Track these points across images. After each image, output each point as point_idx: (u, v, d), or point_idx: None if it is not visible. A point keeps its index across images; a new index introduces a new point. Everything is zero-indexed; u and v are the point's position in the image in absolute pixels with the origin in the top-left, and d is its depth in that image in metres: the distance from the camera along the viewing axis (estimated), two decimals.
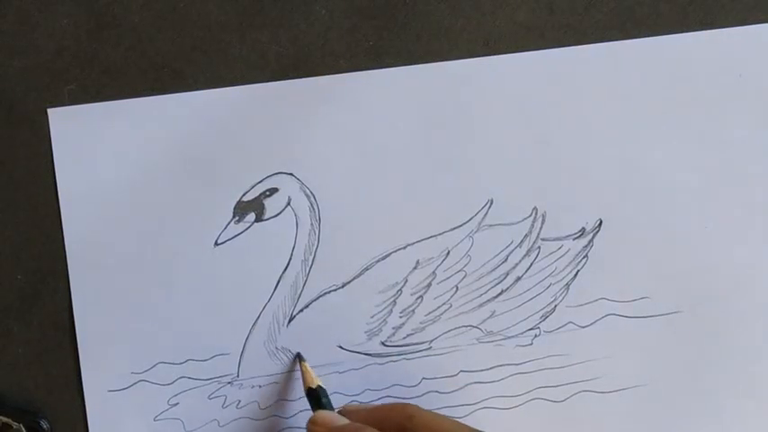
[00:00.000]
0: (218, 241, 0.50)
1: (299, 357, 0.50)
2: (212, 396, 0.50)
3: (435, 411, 0.45)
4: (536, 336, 0.51)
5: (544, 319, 0.51)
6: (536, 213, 0.51)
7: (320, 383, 0.48)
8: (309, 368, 0.49)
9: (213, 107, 0.50)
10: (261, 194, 0.50)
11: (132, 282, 0.50)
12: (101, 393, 0.50)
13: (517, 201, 0.51)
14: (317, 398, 0.48)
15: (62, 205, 0.49)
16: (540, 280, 0.51)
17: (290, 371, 0.50)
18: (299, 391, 0.50)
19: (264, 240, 0.50)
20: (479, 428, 0.41)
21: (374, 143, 0.50)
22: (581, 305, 0.51)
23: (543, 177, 0.51)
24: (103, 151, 0.49)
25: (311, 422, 0.46)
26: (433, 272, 0.50)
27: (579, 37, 0.51)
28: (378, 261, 0.50)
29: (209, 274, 0.50)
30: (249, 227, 0.50)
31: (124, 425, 0.50)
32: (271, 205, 0.50)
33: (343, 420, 0.45)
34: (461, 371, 0.51)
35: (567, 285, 0.51)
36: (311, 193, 0.50)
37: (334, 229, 0.50)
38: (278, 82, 0.50)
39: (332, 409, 0.47)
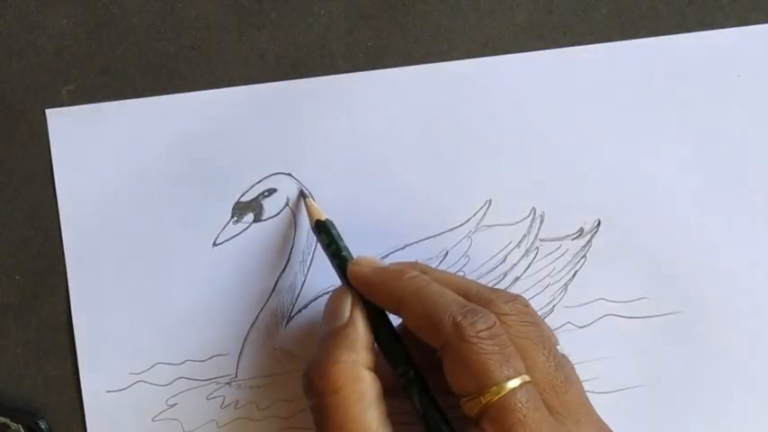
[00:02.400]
0: (217, 242, 0.50)
1: (302, 195, 0.49)
2: (211, 396, 0.50)
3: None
4: None
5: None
6: (534, 214, 0.51)
7: (324, 217, 0.48)
8: (313, 204, 0.48)
9: (212, 108, 0.50)
10: (259, 195, 0.50)
11: (130, 282, 0.50)
12: (99, 394, 0.50)
13: (515, 201, 0.51)
14: (326, 230, 0.47)
15: (60, 206, 0.49)
16: (539, 280, 0.51)
17: (289, 371, 0.50)
18: (297, 391, 0.50)
19: (263, 241, 0.50)
20: None
21: (373, 144, 0.50)
22: (579, 305, 0.51)
23: (542, 178, 0.51)
24: (102, 152, 0.50)
25: (354, 263, 0.45)
26: None
27: (578, 38, 0.51)
28: None
29: (208, 274, 0.50)
30: (248, 227, 0.50)
31: (122, 425, 0.50)
32: (269, 206, 0.50)
33: (384, 262, 0.46)
34: None
35: (566, 286, 0.51)
36: (310, 193, 0.50)
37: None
38: (277, 82, 0.50)
39: (338, 241, 0.47)
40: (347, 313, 0.44)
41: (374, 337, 0.44)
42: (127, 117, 0.50)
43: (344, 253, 0.46)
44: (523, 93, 0.51)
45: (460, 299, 0.42)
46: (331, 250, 0.47)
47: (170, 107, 0.50)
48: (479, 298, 0.42)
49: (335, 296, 0.45)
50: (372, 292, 0.44)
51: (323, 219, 0.48)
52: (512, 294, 0.43)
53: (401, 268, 0.44)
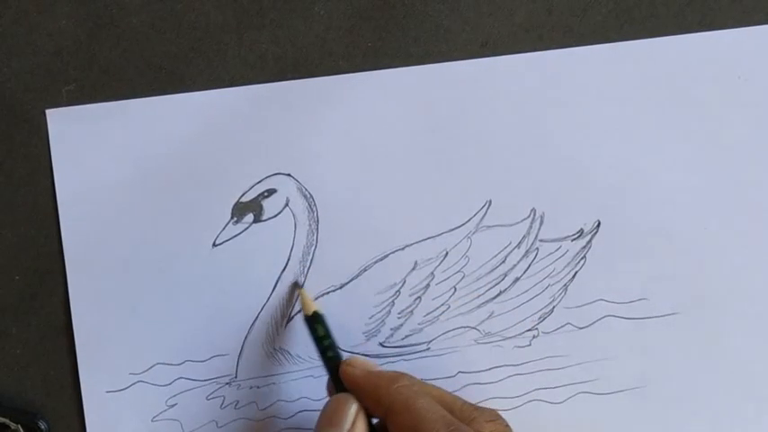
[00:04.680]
0: (217, 242, 0.50)
1: (296, 286, 0.49)
2: (210, 397, 0.50)
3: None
4: (534, 337, 0.51)
5: (542, 321, 0.51)
6: (534, 214, 0.51)
7: (318, 309, 0.48)
8: (307, 295, 0.49)
9: (211, 108, 0.50)
10: (259, 195, 0.50)
11: (130, 282, 0.50)
12: (99, 394, 0.50)
13: (515, 202, 0.51)
14: (322, 322, 0.47)
15: (60, 206, 0.49)
16: (539, 281, 0.51)
17: (289, 372, 0.50)
18: (297, 391, 0.50)
19: (263, 241, 0.50)
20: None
21: (373, 144, 0.50)
22: (579, 306, 0.51)
23: (541, 178, 0.51)
24: (101, 152, 0.50)
25: (346, 363, 0.46)
26: (432, 273, 0.50)
27: (577, 38, 0.51)
28: (376, 262, 0.50)
29: (208, 274, 0.50)
30: (247, 227, 0.50)
31: (122, 426, 0.50)
32: (269, 206, 0.50)
33: (379, 367, 0.46)
34: (460, 372, 0.51)
35: (566, 286, 0.51)
36: (309, 194, 0.50)
37: (332, 229, 0.50)
38: (276, 83, 0.50)
39: (331, 336, 0.47)
40: (348, 424, 0.44)
41: None
42: (127, 117, 0.50)
43: (335, 351, 0.47)
44: (523, 93, 0.51)
45: (447, 415, 0.42)
46: (325, 344, 0.47)
47: (170, 107, 0.50)
48: (462, 414, 0.43)
49: (338, 402, 0.45)
50: (362, 396, 0.44)
51: (319, 311, 0.48)
52: (493, 413, 0.44)
53: (393, 375, 0.44)
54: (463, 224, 0.51)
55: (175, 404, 0.50)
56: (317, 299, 0.50)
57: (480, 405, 0.44)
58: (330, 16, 0.50)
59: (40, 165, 0.50)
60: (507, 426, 0.43)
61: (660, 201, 0.51)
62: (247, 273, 0.50)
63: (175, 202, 0.50)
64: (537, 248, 0.51)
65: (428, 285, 0.50)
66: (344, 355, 0.47)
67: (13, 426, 0.49)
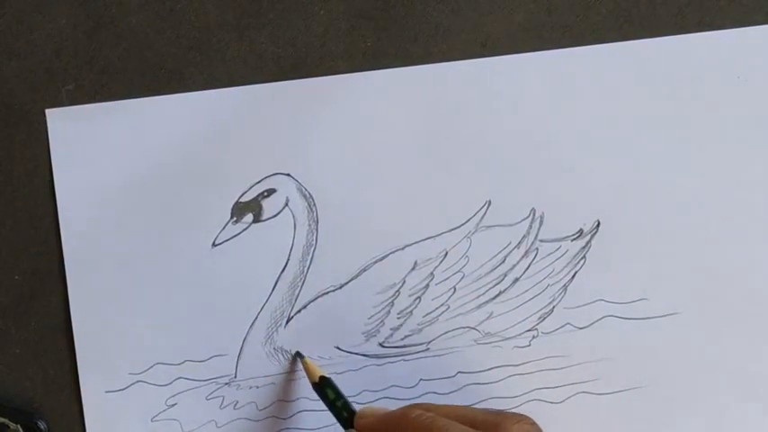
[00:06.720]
0: (216, 242, 0.50)
1: (298, 356, 0.50)
2: (210, 397, 0.50)
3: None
4: (534, 337, 0.51)
5: (542, 321, 0.51)
6: (534, 214, 0.51)
7: (323, 374, 0.48)
8: (311, 362, 0.49)
9: (211, 108, 0.50)
10: (259, 195, 0.50)
11: (130, 282, 0.50)
12: (98, 394, 0.50)
13: (515, 202, 0.51)
14: (332, 386, 0.47)
15: (59, 206, 0.49)
16: (538, 281, 0.51)
17: (288, 371, 0.50)
18: (297, 391, 0.50)
19: (262, 241, 0.50)
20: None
21: (372, 144, 0.50)
22: (579, 306, 0.51)
23: (541, 178, 0.51)
24: (101, 152, 0.50)
25: (359, 416, 0.46)
26: (431, 273, 0.50)
27: (577, 38, 0.51)
28: (376, 262, 0.50)
29: (207, 274, 0.50)
30: (247, 227, 0.50)
31: (122, 425, 0.50)
32: (269, 206, 0.50)
33: (388, 408, 0.46)
34: (459, 372, 0.51)
35: (565, 287, 0.51)
36: (309, 194, 0.50)
37: (331, 229, 0.50)
38: (276, 83, 0.50)
39: (343, 396, 0.47)
40: None
41: None
42: (126, 117, 0.50)
43: (349, 410, 0.46)
44: (523, 93, 0.51)
45: (469, 429, 0.41)
46: (339, 405, 0.47)
47: (170, 107, 0.50)
48: (485, 424, 0.42)
49: None
50: None
51: (326, 375, 0.48)
52: (517, 415, 0.43)
53: (405, 409, 0.44)
54: (463, 224, 0.51)
55: (175, 404, 0.50)
56: (316, 299, 0.50)
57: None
58: (330, 16, 0.50)
59: (40, 165, 0.50)
60: (534, 423, 0.43)
61: (660, 201, 0.51)
62: (247, 273, 0.50)
63: (175, 202, 0.50)
64: (537, 248, 0.51)
65: (428, 285, 0.50)
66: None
67: (12, 426, 0.49)
